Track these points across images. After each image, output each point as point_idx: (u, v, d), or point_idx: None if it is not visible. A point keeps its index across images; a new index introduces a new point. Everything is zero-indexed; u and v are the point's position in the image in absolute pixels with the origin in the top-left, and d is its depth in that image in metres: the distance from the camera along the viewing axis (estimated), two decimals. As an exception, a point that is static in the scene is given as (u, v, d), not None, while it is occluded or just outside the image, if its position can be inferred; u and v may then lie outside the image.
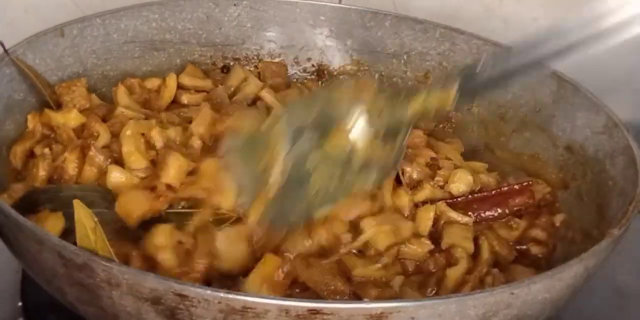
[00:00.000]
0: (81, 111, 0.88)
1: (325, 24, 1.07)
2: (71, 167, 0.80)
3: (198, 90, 0.99)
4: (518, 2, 0.95)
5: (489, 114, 1.02)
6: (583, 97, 0.92)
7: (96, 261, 0.61)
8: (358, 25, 1.07)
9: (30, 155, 0.85)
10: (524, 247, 0.85)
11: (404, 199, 0.82)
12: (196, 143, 0.84)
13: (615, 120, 0.87)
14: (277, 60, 1.08)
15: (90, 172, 0.80)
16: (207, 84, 1.00)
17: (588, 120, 0.91)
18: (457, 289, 0.74)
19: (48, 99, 0.88)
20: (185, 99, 0.96)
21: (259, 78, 1.05)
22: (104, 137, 0.84)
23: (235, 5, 1.05)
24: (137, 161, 0.80)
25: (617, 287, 0.69)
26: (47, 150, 0.82)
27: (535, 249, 0.85)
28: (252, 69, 1.07)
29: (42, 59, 0.90)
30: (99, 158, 0.80)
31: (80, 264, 0.61)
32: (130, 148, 0.80)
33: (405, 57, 1.06)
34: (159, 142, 0.82)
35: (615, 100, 0.78)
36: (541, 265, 0.84)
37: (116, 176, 0.79)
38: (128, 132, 0.81)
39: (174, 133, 0.84)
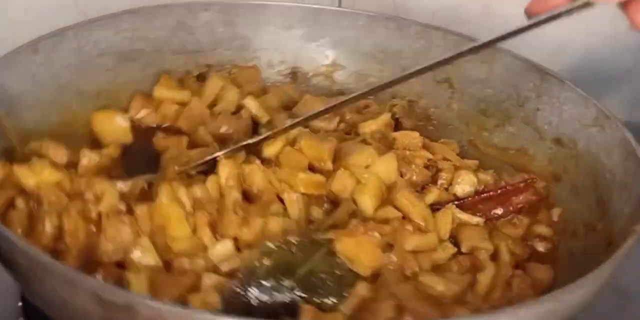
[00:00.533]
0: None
1: (297, 26, 1.05)
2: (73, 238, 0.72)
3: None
4: (518, 2, 0.94)
5: (469, 109, 1.02)
6: (569, 90, 0.93)
7: (141, 302, 0.58)
8: (331, 25, 1.05)
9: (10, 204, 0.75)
10: (529, 243, 0.86)
11: (422, 207, 0.81)
12: (235, 196, 0.79)
13: (607, 113, 0.88)
14: (250, 64, 1.05)
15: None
16: (184, 95, 0.97)
17: (576, 113, 0.92)
18: (489, 294, 0.74)
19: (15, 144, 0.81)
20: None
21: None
22: (110, 198, 0.75)
23: (206, 10, 1.01)
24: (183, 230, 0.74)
25: (617, 287, 0.70)
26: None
27: (540, 245, 0.86)
28: (225, 75, 1.04)
29: (18, 77, 0.86)
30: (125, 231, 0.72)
31: (122, 305, 0.58)
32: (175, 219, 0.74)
33: (380, 55, 1.05)
34: (188, 204, 0.76)
35: (615, 100, 0.79)
36: (547, 261, 0.85)
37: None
38: (164, 200, 0.75)
39: (199, 191, 0.78)
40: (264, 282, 0.70)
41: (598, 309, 0.69)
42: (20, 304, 0.78)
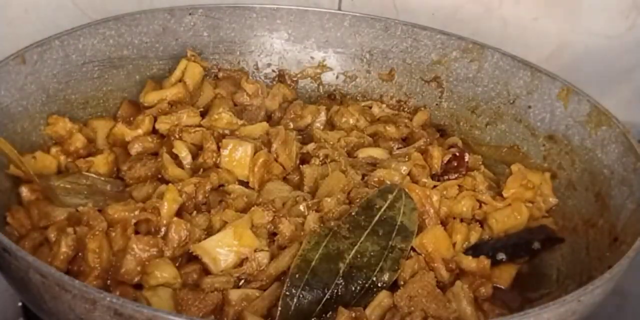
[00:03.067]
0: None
1: (282, 28, 1.04)
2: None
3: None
4: (518, 2, 0.95)
5: (458, 108, 1.02)
6: (560, 86, 0.93)
7: (161, 317, 0.57)
8: (316, 26, 1.04)
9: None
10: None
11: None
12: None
13: (601, 109, 0.89)
14: (236, 68, 1.04)
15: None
16: (174, 91, 0.94)
17: (569, 109, 0.92)
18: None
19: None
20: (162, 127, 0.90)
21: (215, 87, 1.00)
22: None
23: (190, 14, 1.00)
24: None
25: (617, 287, 0.70)
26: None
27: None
28: (211, 79, 1.02)
29: (7, 89, 0.84)
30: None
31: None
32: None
33: (367, 56, 1.05)
34: None
35: (615, 100, 0.80)
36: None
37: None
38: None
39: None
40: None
41: (598, 308, 0.69)
42: (20, 304, 0.77)
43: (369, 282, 0.72)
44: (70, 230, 0.72)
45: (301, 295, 0.69)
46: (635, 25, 0.74)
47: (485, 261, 0.79)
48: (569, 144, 0.92)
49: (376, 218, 0.76)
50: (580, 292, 0.64)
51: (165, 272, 0.69)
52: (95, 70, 0.94)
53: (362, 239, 0.74)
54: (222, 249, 0.72)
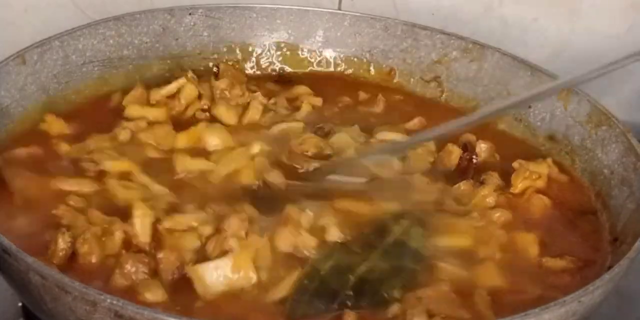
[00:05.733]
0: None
1: (282, 28, 1.04)
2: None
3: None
4: (518, 2, 0.95)
5: (458, 108, 1.02)
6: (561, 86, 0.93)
7: (162, 319, 0.57)
8: (316, 26, 1.04)
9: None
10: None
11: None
12: None
13: (601, 109, 0.89)
14: (236, 67, 1.04)
15: None
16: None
17: (569, 109, 0.92)
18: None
19: None
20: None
21: (216, 77, 0.98)
22: None
23: (190, 14, 1.00)
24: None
25: (617, 287, 0.70)
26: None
27: None
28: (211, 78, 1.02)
29: (7, 90, 0.84)
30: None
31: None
32: None
33: (367, 55, 1.05)
34: None
35: (615, 100, 0.80)
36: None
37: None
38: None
39: None
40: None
41: (598, 309, 0.69)
42: (20, 304, 0.76)
43: (378, 296, 0.70)
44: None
45: (310, 301, 0.68)
46: (635, 25, 0.74)
47: None
48: (569, 144, 0.92)
49: (389, 240, 0.76)
50: (580, 292, 0.64)
51: (157, 296, 0.67)
52: (95, 70, 0.94)
53: (372, 255, 0.73)
54: (217, 278, 0.69)
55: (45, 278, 0.60)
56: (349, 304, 0.68)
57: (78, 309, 0.60)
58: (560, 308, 0.62)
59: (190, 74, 0.95)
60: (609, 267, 0.68)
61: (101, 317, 0.59)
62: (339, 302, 0.68)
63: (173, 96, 0.93)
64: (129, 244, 0.71)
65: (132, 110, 0.91)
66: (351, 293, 0.69)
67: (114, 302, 0.58)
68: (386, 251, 0.74)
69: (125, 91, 0.93)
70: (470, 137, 0.91)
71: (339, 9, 1.09)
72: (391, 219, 0.78)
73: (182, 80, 0.93)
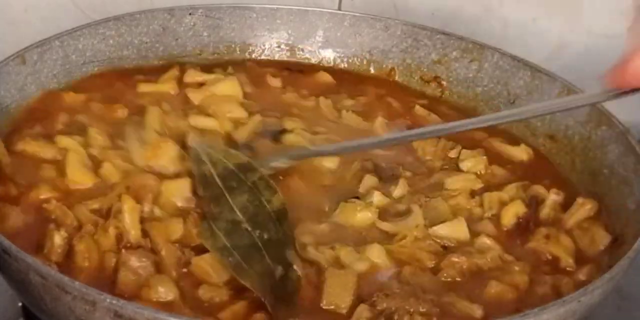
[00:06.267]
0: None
1: (282, 28, 1.04)
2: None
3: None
4: (518, 2, 0.95)
5: (458, 108, 1.02)
6: (560, 86, 0.93)
7: (162, 318, 0.57)
8: (316, 26, 1.04)
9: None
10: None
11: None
12: None
13: (601, 109, 0.89)
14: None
15: None
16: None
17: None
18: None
19: None
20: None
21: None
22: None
23: (190, 14, 1.00)
24: None
25: (617, 287, 0.70)
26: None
27: None
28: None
29: (7, 90, 0.84)
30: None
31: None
32: None
33: (367, 55, 1.05)
34: None
35: (615, 100, 0.79)
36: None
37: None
38: None
39: None
40: None
41: (598, 309, 0.69)
42: (20, 304, 0.77)
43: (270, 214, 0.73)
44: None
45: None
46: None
47: None
48: (569, 144, 0.92)
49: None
50: (580, 292, 0.64)
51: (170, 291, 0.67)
52: (95, 70, 0.94)
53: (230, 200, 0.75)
54: None
55: (45, 278, 0.60)
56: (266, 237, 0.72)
57: (78, 309, 0.60)
58: (560, 308, 0.62)
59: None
60: (609, 267, 0.68)
61: (101, 316, 0.59)
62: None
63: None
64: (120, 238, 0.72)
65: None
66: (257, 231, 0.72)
67: (114, 301, 0.58)
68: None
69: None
70: (540, 191, 0.84)
71: (339, 9, 1.09)
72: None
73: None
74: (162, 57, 1.00)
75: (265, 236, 0.72)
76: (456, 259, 0.73)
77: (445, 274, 0.72)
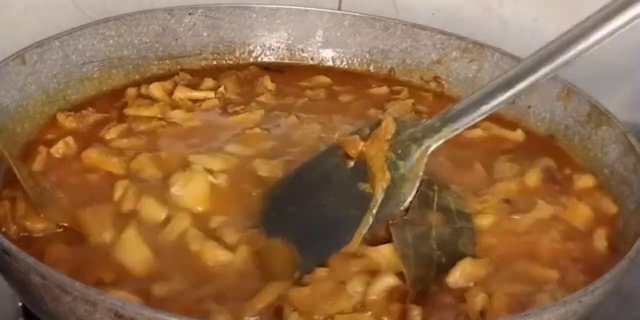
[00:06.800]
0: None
1: (282, 28, 1.04)
2: None
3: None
4: (518, 2, 0.95)
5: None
6: (560, 86, 0.93)
7: (162, 318, 0.57)
8: (316, 26, 1.04)
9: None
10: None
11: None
12: None
13: (601, 109, 0.89)
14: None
15: None
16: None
17: (569, 109, 0.92)
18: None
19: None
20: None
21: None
22: None
23: (190, 14, 1.00)
24: None
25: (617, 287, 0.71)
26: None
27: None
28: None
29: (7, 90, 0.83)
30: None
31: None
32: None
33: (367, 55, 1.05)
34: None
35: (615, 100, 0.80)
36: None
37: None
38: None
39: None
40: None
41: (598, 308, 0.69)
42: (20, 304, 0.77)
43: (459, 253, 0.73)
44: None
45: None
46: (635, 25, 0.74)
47: None
48: (569, 144, 0.92)
49: (434, 206, 0.77)
50: (580, 292, 0.64)
51: None
52: (95, 70, 0.94)
53: (433, 224, 0.75)
54: None
55: (45, 278, 0.60)
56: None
57: (78, 309, 0.60)
58: (560, 308, 0.62)
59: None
60: (609, 267, 0.68)
61: (101, 317, 0.59)
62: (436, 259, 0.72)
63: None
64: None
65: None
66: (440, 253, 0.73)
67: (114, 302, 0.58)
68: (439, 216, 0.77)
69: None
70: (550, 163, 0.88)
71: (339, 9, 1.09)
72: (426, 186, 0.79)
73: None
74: (162, 57, 0.99)
75: (443, 260, 0.73)
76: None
77: None
